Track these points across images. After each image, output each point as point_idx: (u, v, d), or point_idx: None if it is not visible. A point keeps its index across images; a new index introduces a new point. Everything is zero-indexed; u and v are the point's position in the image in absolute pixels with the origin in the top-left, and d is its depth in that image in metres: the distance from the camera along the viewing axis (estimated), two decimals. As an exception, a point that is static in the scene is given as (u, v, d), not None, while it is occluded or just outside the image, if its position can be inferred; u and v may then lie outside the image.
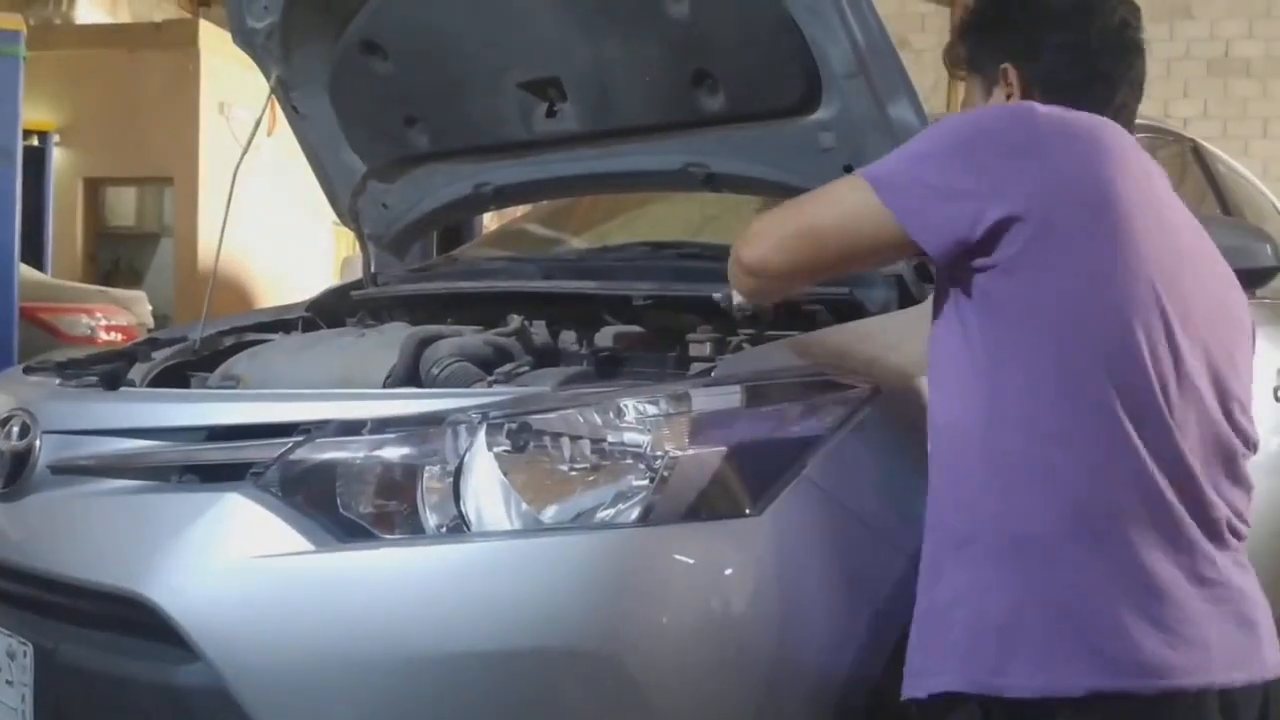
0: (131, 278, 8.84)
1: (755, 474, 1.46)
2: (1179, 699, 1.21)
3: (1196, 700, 1.22)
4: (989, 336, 1.29)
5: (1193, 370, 1.29)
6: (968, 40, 1.62)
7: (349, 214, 2.62)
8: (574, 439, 1.45)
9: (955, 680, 1.26)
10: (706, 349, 1.82)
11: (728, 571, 1.42)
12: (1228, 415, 1.33)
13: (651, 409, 1.46)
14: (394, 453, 1.48)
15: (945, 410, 1.35)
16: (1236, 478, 1.33)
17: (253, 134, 2.33)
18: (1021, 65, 1.51)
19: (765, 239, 1.42)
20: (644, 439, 1.44)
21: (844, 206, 1.37)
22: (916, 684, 1.31)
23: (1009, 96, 1.51)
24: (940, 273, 1.39)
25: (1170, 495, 1.25)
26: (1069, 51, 1.49)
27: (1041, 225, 1.25)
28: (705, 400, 1.49)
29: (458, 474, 1.44)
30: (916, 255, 1.40)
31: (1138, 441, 1.24)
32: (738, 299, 1.64)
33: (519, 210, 3.23)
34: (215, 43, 8.24)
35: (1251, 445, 1.37)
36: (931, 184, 1.30)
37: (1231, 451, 1.33)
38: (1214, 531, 1.29)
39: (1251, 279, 2.03)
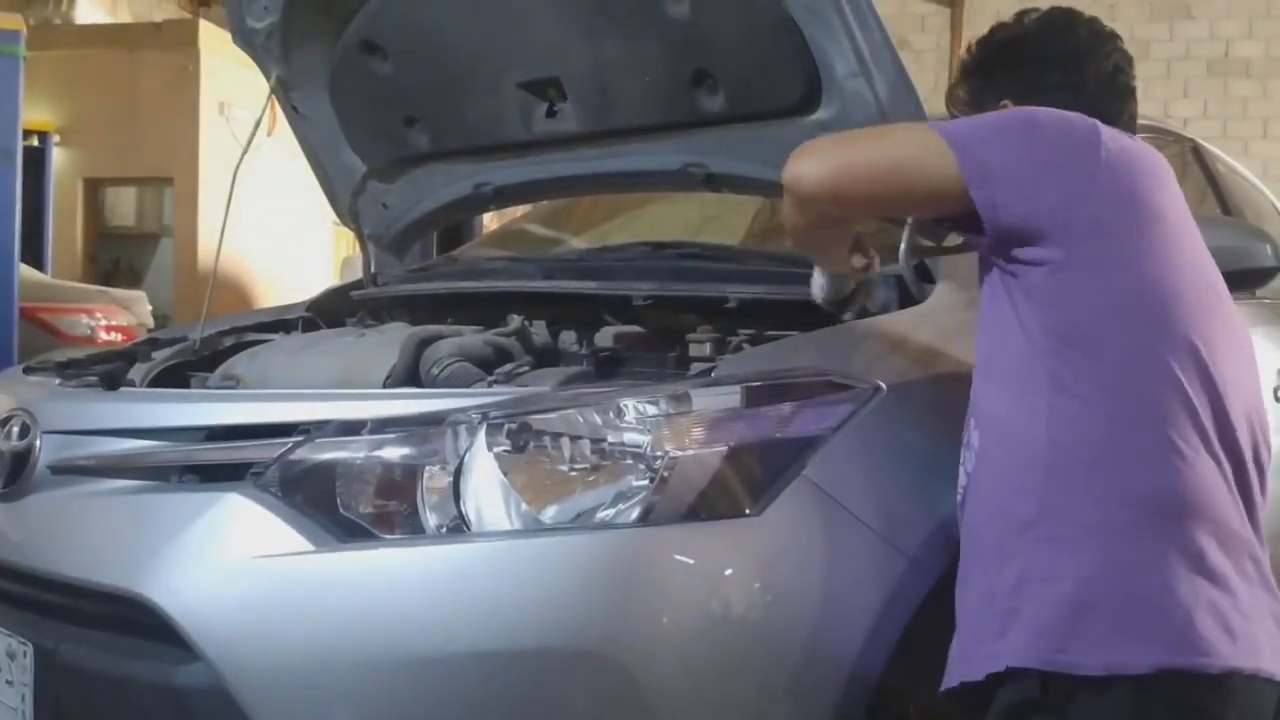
0: (131, 278, 8.84)
1: (755, 474, 1.46)
2: (1235, 679, 1.25)
3: (1248, 682, 1.25)
4: (1044, 331, 1.33)
5: (1238, 372, 1.36)
6: (969, 81, 1.71)
7: (349, 214, 2.62)
8: (574, 439, 1.45)
9: (1021, 657, 1.29)
10: (706, 349, 1.82)
11: (728, 572, 1.42)
12: (1258, 415, 1.40)
13: (651, 409, 1.46)
14: (394, 453, 1.48)
15: (999, 400, 1.38)
16: (1263, 476, 1.38)
17: (253, 134, 2.33)
18: (1021, 104, 1.58)
19: (813, 155, 1.42)
20: (644, 439, 1.44)
21: (909, 147, 1.40)
22: (970, 669, 1.33)
23: None
24: (984, 260, 1.43)
25: (1229, 490, 1.31)
26: (1066, 93, 1.57)
27: (1092, 234, 1.32)
28: (705, 400, 1.49)
29: (458, 474, 1.44)
30: (957, 218, 1.42)
31: (1205, 436, 1.30)
32: (817, 286, 1.67)
33: (519, 210, 3.23)
34: (215, 43, 8.24)
35: (1270, 447, 1.42)
36: (1003, 161, 1.35)
37: (1259, 450, 1.38)
38: (1258, 527, 1.34)
39: (1252, 279, 2.04)
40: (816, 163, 1.42)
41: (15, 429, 1.75)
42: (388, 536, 1.45)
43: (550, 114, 2.20)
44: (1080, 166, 1.34)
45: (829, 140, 1.49)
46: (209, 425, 1.64)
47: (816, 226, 1.52)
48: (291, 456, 1.49)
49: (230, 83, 8.13)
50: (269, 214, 7.99)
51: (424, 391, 1.76)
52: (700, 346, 1.83)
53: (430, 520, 1.44)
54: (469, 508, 1.43)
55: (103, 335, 6.08)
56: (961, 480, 1.44)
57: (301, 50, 2.34)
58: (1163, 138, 3.01)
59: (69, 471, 1.67)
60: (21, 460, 1.72)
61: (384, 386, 1.85)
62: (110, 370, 1.93)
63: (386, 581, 1.42)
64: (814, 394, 1.54)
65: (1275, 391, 2.43)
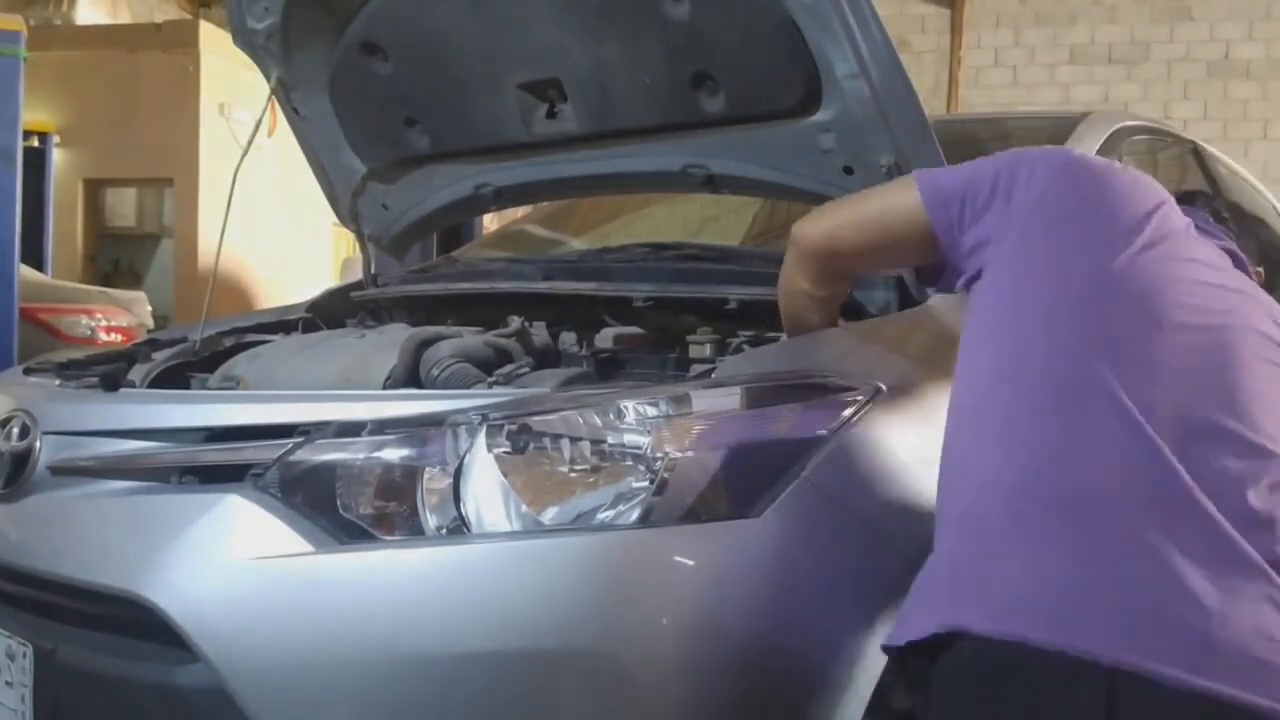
0: (131, 278, 8.84)
1: (755, 476, 1.46)
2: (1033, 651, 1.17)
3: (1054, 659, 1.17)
4: (966, 336, 1.41)
5: (1162, 368, 1.27)
6: None
7: (349, 215, 2.62)
8: (574, 440, 1.45)
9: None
10: (706, 350, 1.82)
11: (728, 573, 1.42)
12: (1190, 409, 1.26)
13: (651, 410, 1.46)
14: (394, 454, 1.48)
15: (955, 386, 1.44)
16: (1196, 465, 1.24)
17: (253, 135, 2.33)
18: None
19: (816, 214, 1.60)
20: (644, 440, 1.44)
21: (889, 193, 1.55)
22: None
23: None
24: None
25: (1116, 472, 1.22)
26: None
27: (1000, 244, 1.39)
28: (705, 402, 1.49)
29: (458, 475, 1.44)
30: (938, 259, 1.49)
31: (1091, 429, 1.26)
32: None
33: (519, 211, 3.24)
34: (215, 43, 8.24)
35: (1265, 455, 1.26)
36: (955, 182, 1.45)
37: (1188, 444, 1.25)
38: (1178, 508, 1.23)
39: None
40: (817, 220, 1.59)
41: (15, 430, 1.75)
42: (387, 538, 1.45)
43: (550, 115, 2.21)
44: (1016, 179, 1.40)
45: (834, 202, 1.63)
46: (209, 426, 1.64)
47: (814, 286, 1.63)
48: (291, 458, 1.49)
49: (230, 83, 8.14)
50: (269, 215, 7.99)
51: (424, 393, 1.76)
52: (700, 348, 1.83)
53: (430, 521, 1.44)
54: (469, 509, 1.43)
55: (103, 336, 6.08)
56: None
57: (302, 51, 2.34)
58: (1163, 139, 3.02)
59: (69, 472, 1.67)
60: (22, 461, 1.72)
61: (384, 388, 1.85)
62: (110, 371, 1.93)
63: (386, 582, 1.42)
64: (814, 395, 1.54)
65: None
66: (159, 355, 2.23)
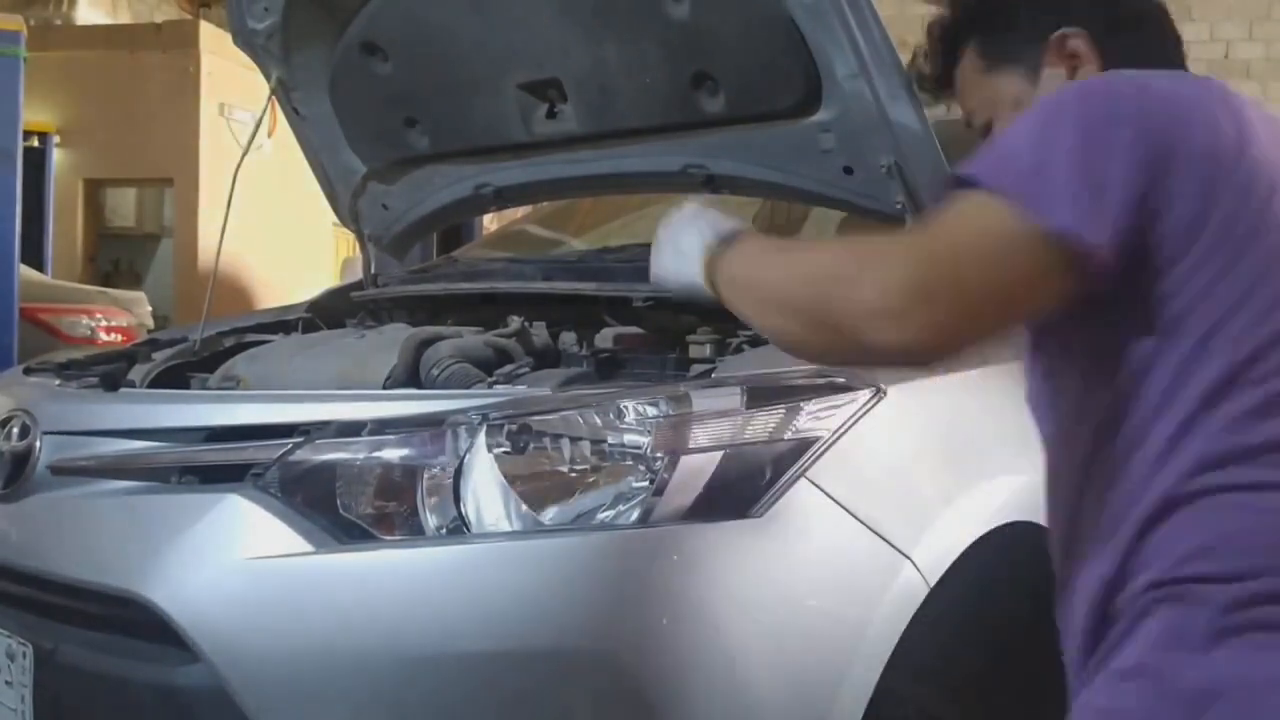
0: (131, 279, 8.85)
1: (755, 476, 1.46)
2: None
3: None
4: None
5: None
6: (976, 32, 1.20)
7: (349, 215, 2.62)
8: (574, 440, 1.45)
9: None
10: (706, 350, 1.81)
11: (727, 573, 1.42)
12: None
13: (651, 410, 1.46)
14: (394, 454, 1.48)
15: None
16: None
17: (253, 135, 2.33)
18: (1089, 27, 1.14)
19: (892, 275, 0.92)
20: (644, 440, 1.44)
21: (983, 234, 0.92)
22: None
23: (1075, 71, 1.12)
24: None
25: None
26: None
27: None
28: (705, 402, 1.49)
29: (458, 475, 1.44)
30: (1089, 282, 0.92)
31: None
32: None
33: (519, 211, 3.24)
34: (215, 44, 8.24)
35: None
36: (1076, 173, 0.91)
37: None
38: None
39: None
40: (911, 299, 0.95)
41: (15, 430, 1.75)
42: (387, 537, 1.45)
43: (550, 115, 2.21)
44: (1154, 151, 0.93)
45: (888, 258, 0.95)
46: (209, 426, 1.64)
47: None
48: (291, 457, 1.49)
49: (231, 84, 8.14)
50: (269, 215, 7.99)
51: (424, 393, 1.76)
52: (700, 347, 1.83)
53: (430, 521, 1.44)
54: (469, 509, 1.43)
55: (103, 336, 6.08)
56: None
57: (302, 51, 2.34)
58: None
59: (69, 472, 1.67)
60: (22, 461, 1.72)
61: (384, 388, 1.85)
62: (110, 371, 1.93)
63: (386, 582, 1.42)
64: (815, 395, 1.53)
65: None
66: (159, 355, 2.23)
